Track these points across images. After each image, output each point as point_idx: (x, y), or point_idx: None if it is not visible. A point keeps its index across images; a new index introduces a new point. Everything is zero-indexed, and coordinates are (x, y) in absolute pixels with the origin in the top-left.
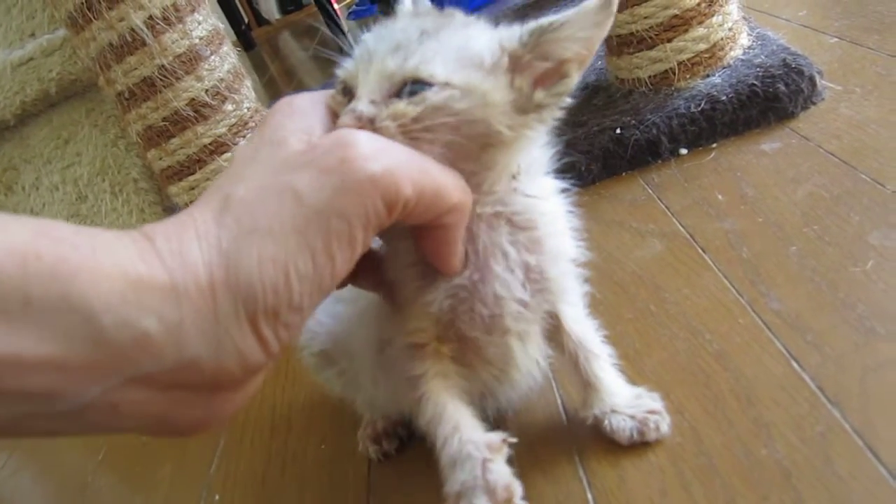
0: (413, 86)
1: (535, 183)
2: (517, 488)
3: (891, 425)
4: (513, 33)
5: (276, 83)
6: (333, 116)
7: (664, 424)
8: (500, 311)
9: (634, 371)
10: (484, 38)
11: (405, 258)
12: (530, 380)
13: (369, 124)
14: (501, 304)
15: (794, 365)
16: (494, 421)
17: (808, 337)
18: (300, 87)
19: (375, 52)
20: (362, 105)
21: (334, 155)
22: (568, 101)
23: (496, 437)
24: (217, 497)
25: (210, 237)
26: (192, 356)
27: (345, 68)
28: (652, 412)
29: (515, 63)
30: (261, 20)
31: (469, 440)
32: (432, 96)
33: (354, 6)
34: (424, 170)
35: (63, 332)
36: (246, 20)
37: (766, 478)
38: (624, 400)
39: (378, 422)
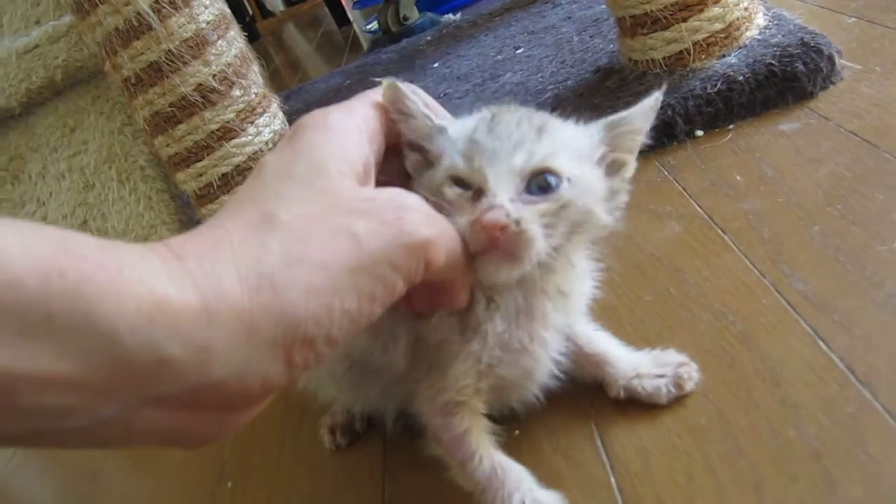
0: (538, 178)
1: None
2: None
3: None
4: (594, 128)
5: (281, 75)
6: (372, 140)
7: (695, 372)
8: (539, 366)
9: None
10: (581, 133)
11: (442, 313)
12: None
13: (515, 225)
14: (541, 361)
15: (822, 345)
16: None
17: (835, 317)
18: (304, 78)
19: (499, 150)
20: (506, 203)
21: (393, 213)
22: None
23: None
24: (230, 484)
25: (249, 258)
26: (216, 378)
27: (458, 163)
28: (679, 364)
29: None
30: (265, 12)
31: (536, 500)
32: (566, 192)
33: None
34: (456, 240)
35: (84, 352)
36: (250, 12)
37: (795, 459)
38: (645, 364)
39: (337, 414)
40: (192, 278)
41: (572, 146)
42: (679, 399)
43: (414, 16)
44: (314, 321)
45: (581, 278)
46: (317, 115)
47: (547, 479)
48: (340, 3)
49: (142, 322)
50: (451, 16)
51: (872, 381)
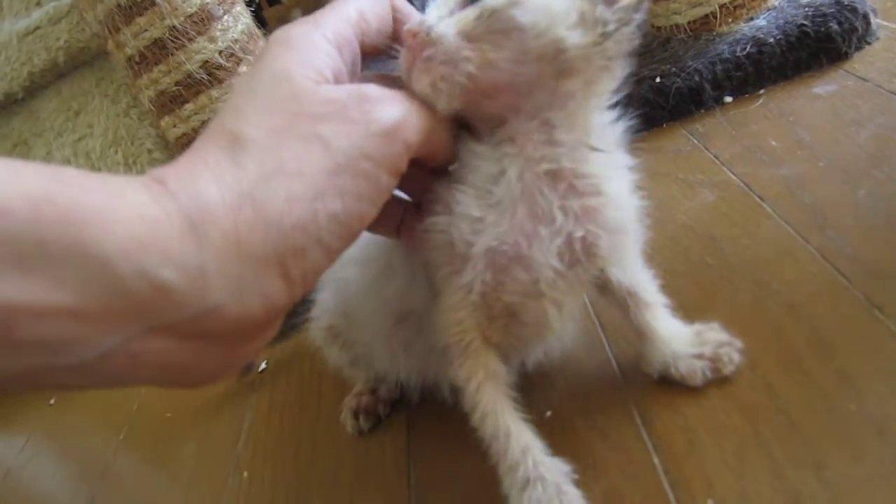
0: None
1: (604, 138)
2: None
3: None
4: None
5: None
6: (342, 49)
7: (735, 354)
8: (538, 276)
9: None
10: None
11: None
12: (565, 337)
13: (426, 32)
14: (539, 269)
15: (877, 313)
16: (541, 383)
17: (888, 283)
18: None
19: None
20: (429, 18)
21: (357, 108)
22: (636, 24)
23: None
24: (245, 475)
25: (227, 178)
26: (215, 303)
27: None
28: (719, 345)
29: None
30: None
31: (541, 462)
32: (493, 1)
33: None
34: (426, 112)
35: (80, 280)
36: (257, 0)
37: (857, 435)
38: (684, 342)
39: (362, 396)
40: (176, 199)
41: None
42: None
43: None
44: (301, 229)
45: (619, 193)
46: (280, 30)
47: (583, 461)
48: None
49: (133, 248)
50: None
51: None
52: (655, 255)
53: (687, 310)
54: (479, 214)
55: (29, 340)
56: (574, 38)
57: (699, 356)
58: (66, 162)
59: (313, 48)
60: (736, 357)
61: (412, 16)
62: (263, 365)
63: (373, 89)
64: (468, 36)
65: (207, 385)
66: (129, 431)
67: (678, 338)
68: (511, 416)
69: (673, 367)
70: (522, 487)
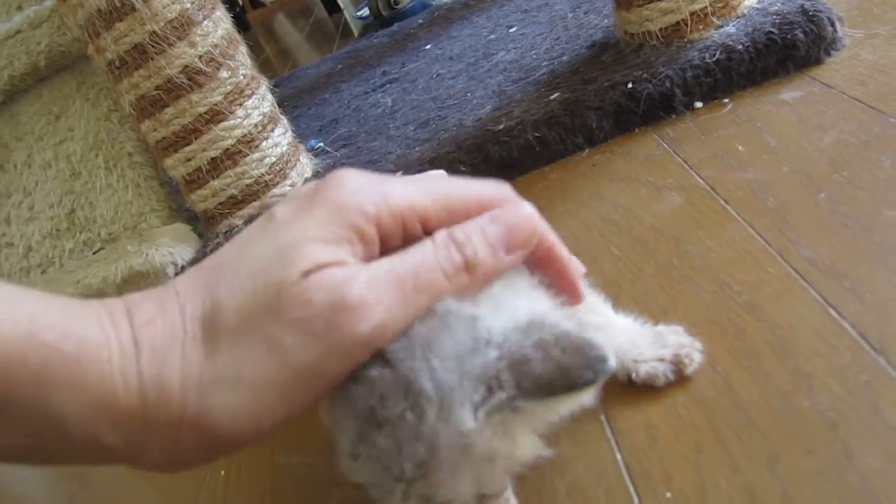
0: None
1: None
2: None
3: None
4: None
5: (272, 64)
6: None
7: (696, 354)
8: None
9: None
10: None
11: None
12: None
13: None
14: None
15: (833, 313)
16: None
17: (845, 283)
18: (295, 66)
19: None
20: None
21: (324, 322)
22: None
23: None
24: (222, 473)
25: (194, 368)
26: (149, 464)
27: None
28: (680, 346)
29: None
30: (255, 2)
31: None
32: None
33: None
34: (409, 313)
35: (34, 431)
36: (240, 2)
37: (810, 430)
38: (645, 341)
39: None
40: (141, 380)
41: None
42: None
43: (404, 0)
44: (239, 436)
45: None
46: (344, 174)
47: (551, 459)
48: None
49: (89, 416)
50: None
51: (887, 347)
52: (623, 257)
53: (652, 310)
54: None
55: None
56: None
57: (661, 359)
58: (47, 165)
59: (333, 230)
60: (697, 357)
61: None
62: None
63: (356, 291)
64: None
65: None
66: None
67: (639, 338)
68: None
69: (634, 374)
70: None
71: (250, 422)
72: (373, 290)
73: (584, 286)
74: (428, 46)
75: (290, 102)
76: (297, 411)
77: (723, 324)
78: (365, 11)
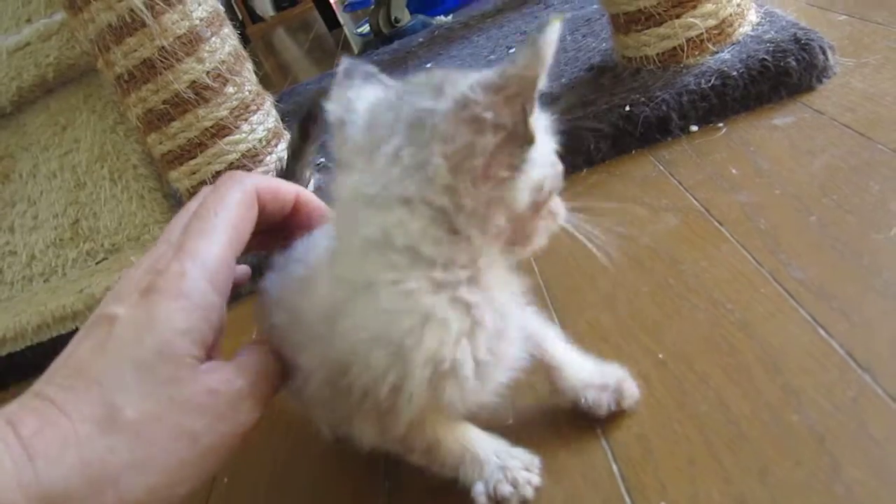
0: None
1: None
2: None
3: None
4: None
5: (271, 79)
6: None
7: (635, 389)
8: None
9: (655, 342)
10: None
11: None
12: None
13: None
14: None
15: (822, 332)
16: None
17: (833, 304)
18: (295, 81)
19: None
20: None
21: (228, 407)
22: None
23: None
24: (225, 480)
25: (95, 460)
26: None
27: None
28: (622, 379)
29: None
30: (255, 17)
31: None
32: None
33: None
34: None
35: None
36: (240, 17)
37: (798, 443)
38: (589, 374)
39: None
40: (41, 488)
41: None
42: (619, 414)
43: (405, 18)
44: None
45: None
46: (170, 276)
47: (547, 466)
48: (331, 7)
49: None
50: (442, 17)
51: (873, 365)
52: (620, 275)
53: (648, 328)
54: None
55: None
56: None
57: (604, 387)
58: (53, 175)
59: (192, 302)
60: (635, 392)
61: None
62: None
63: (245, 385)
64: None
65: None
66: None
67: (584, 369)
68: (469, 439)
69: (582, 396)
70: (480, 465)
71: (164, 495)
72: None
73: (540, 322)
74: (429, 65)
75: (292, 118)
76: (208, 475)
77: (716, 341)
78: (365, 28)
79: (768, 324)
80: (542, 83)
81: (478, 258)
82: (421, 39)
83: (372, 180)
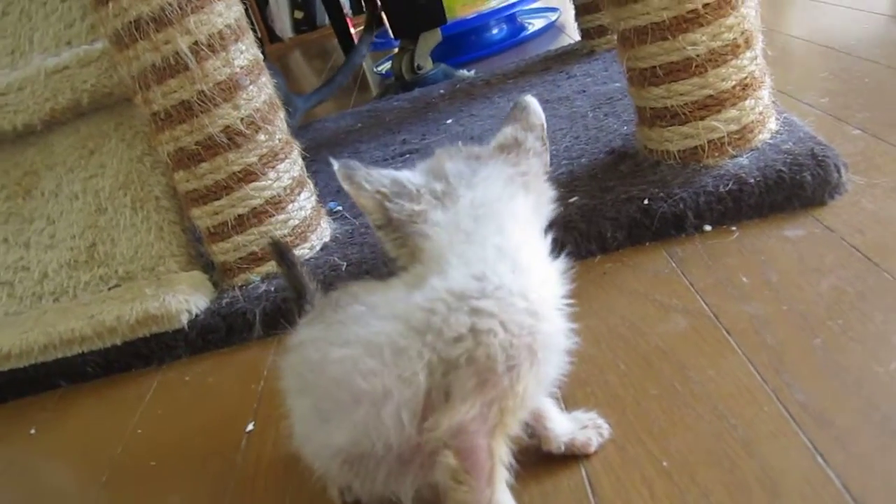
0: None
1: None
2: None
3: None
4: None
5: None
6: None
7: (605, 424)
8: None
9: (659, 449)
10: None
11: None
12: None
13: None
14: None
15: (820, 460)
16: None
17: (833, 432)
18: (310, 114)
19: None
20: None
21: None
22: None
23: None
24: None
25: None
26: None
27: None
28: (593, 418)
29: None
30: (273, 37)
31: None
32: None
33: (375, 37)
34: None
35: None
36: (258, 35)
37: None
38: (569, 421)
39: None
40: None
41: None
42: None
43: (428, 66)
44: None
45: None
46: None
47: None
48: (350, 38)
49: None
50: (465, 72)
51: (866, 501)
52: (629, 373)
53: (653, 432)
54: None
55: None
56: None
57: (585, 427)
58: (75, 197)
59: None
60: (606, 427)
61: None
62: (251, 426)
63: None
64: None
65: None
66: (112, 475)
67: (565, 420)
68: (508, 496)
69: (575, 438)
70: None
71: None
72: None
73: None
74: (449, 121)
75: (309, 155)
76: None
77: (718, 456)
78: (386, 67)
79: (770, 444)
80: None
81: None
82: (442, 91)
83: None
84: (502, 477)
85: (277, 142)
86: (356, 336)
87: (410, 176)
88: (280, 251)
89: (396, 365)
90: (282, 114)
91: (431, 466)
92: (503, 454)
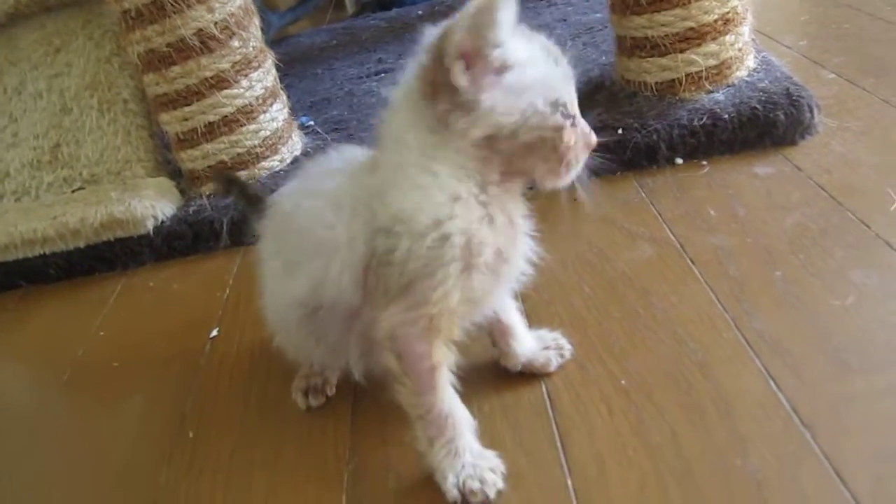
0: None
1: None
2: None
3: (858, 455)
4: None
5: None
6: None
7: (568, 344)
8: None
9: (619, 369)
10: None
11: None
12: None
13: None
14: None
15: (772, 385)
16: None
17: (787, 360)
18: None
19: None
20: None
21: None
22: None
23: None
24: (191, 434)
25: None
26: None
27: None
28: (556, 338)
29: None
30: None
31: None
32: None
33: None
34: None
35: None
36: None
37: (738, 488)
38: (532, 340)
39: (310, 377)
40: None
41: None
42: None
43: None
44: None
45: None
46: None
47: (507, 473)
48: None
49: None
50: None
51: (814, 424)
52: (593, 297)
53: (614, 353)
54: None
55: None
56: None
57: (547, 348)
58: (39, 95)
59: None
60: (568, 346)
61: None
62: (215, 332)
63: None
64: None
65: None
66: (73, 375)
67: (529, 338)
68: (456, 400)
69: (534, 358)
70: (454, 455)
71: None
72: None
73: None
74: None
75: (281, 70)
76: None
77: (676, 377)
78: None
79: (726, 368)
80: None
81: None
82: (420, 12)
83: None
84: (446, 382)
85: (251, 49)
86: (325, 189)
87: None
88: (225, 178)
89: (349, 226)
90: (256, 20)
91: (377, 353)
92: (445, 359)
